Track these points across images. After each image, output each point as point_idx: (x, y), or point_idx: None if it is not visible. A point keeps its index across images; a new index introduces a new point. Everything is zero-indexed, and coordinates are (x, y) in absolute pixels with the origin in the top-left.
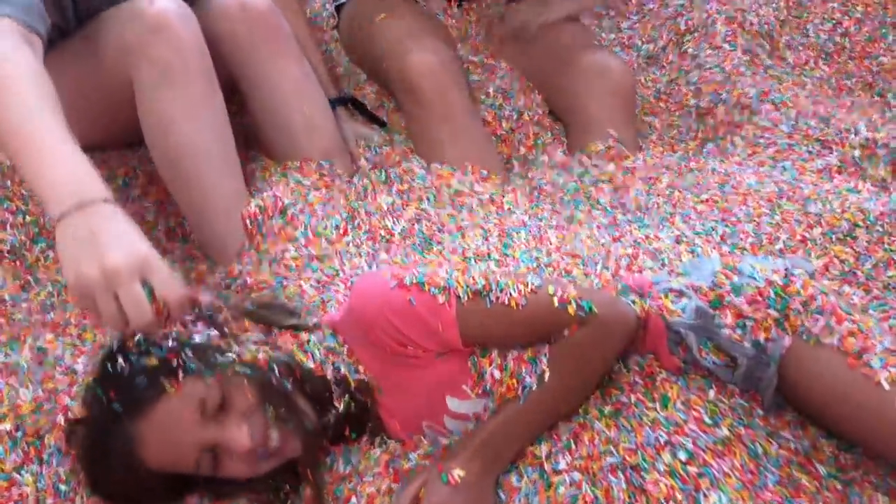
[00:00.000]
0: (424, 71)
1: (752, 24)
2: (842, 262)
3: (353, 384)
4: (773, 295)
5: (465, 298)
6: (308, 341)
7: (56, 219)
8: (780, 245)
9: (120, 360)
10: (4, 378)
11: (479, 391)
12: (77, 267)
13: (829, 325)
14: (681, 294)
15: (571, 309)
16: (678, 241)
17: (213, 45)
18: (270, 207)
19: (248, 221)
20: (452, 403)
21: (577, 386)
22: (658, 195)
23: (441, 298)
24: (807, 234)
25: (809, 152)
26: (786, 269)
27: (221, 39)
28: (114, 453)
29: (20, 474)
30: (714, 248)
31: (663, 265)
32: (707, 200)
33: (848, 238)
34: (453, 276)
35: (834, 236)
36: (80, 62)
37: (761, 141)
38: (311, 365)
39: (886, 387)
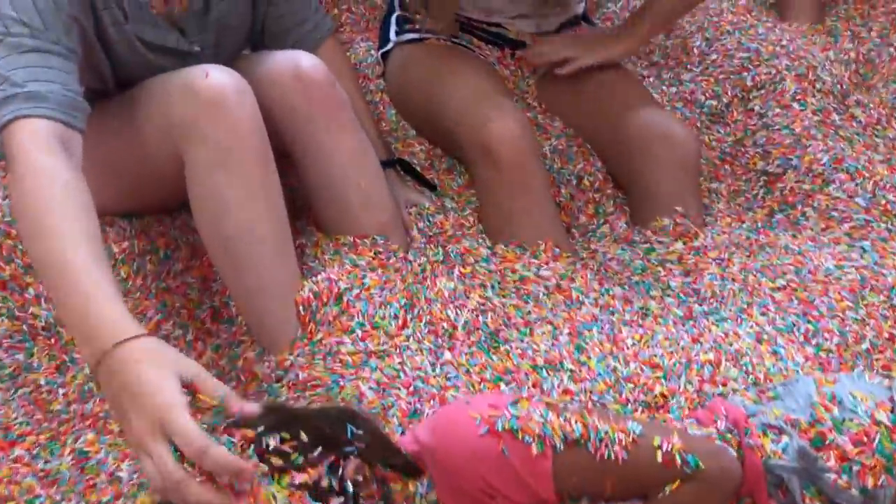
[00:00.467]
0: (506, 139)
1: (824, 82)
2: None
3: None
4: (879, 437)
5: (562, 448)
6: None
7: (92, 367)
8: (866, 345)
9: None
10: (45, 489)
11: None
12: (121, 423)
13: None
14: (780, 431)
15: (677, 463)
16: (759, 341)
17: (264, 112)
18: (325, 293)
19: (301, 308)
20: None
21: None
22: (732, 279)
23: (535, 449)
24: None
25: (889, 230)
26: (892, 401)
27: (273, 108)
28: None
29: None
30: (798, 349)
31: (747, 373)
32: (784, 288)
33: None
34: (549, 422)
35: None
36: (123, 130)
37: (835, 214)
38: None
39: None
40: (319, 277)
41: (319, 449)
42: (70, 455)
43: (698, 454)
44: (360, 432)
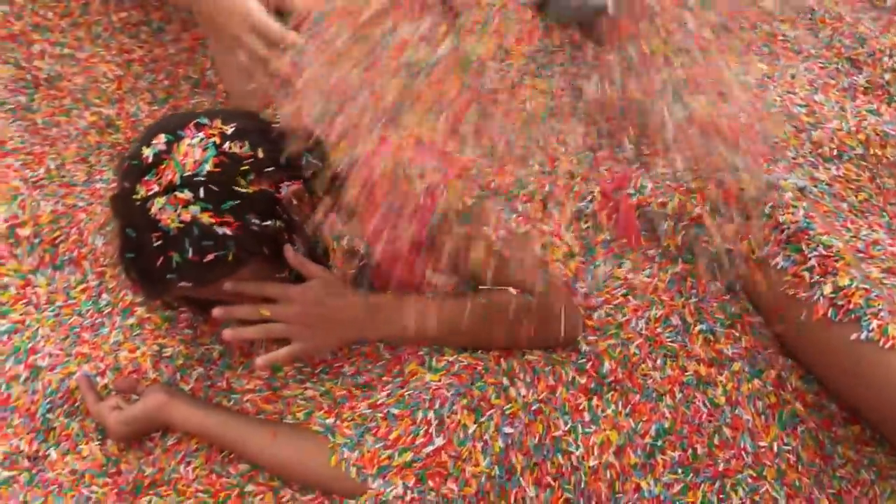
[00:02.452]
0: None
1: None
2: (849, 181)
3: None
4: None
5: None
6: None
7: None
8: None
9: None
10: (28, 190)
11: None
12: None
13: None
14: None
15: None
16: None
17: None
18: None
19: None
20: (431, 274)
21: (481, 334)
22: None
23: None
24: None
25: (838, 70)
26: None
27: None
28: (153, 282)
29: (35, 276)
30: None
31: None
32: None
33: (861, 159)
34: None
35: (847, 155)
36: None
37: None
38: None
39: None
40: None
41: (270, 168)
42: (52, 168)
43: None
44: (315, 162)
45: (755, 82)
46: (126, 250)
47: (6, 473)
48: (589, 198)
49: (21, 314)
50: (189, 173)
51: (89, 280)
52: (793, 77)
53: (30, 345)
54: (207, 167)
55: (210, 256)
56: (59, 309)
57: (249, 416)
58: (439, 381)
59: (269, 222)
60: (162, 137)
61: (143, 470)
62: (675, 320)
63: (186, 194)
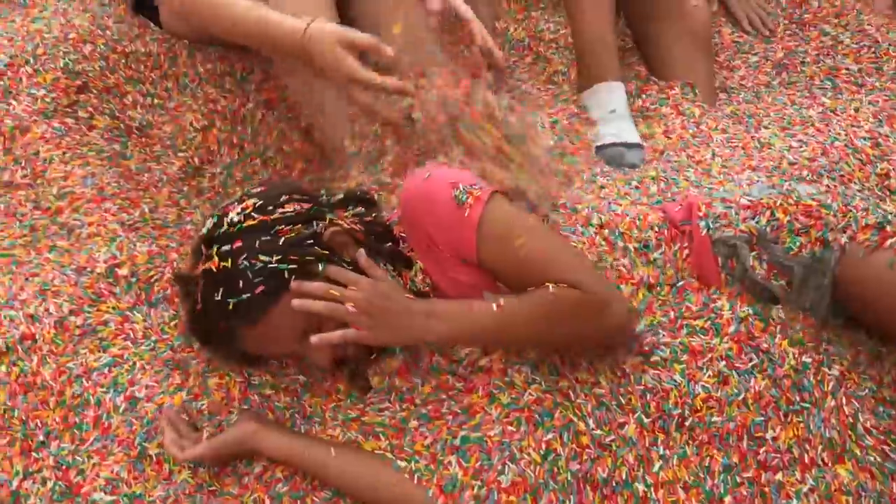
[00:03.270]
0: None
1: None
2: None
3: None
4: (824, 212)
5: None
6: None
7: (298, 55)
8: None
9: (237, 264)
10: (125, 232)
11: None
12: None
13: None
14: (730, 209)
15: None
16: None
17: None
18: None
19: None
20: (489, 296)
21: (538, 332)
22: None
23: (465, 210)
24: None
25: None
26: (836, 195)
27: None
28: (216, 334)
29: (132, 313)
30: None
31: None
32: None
33: None
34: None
35: None
36: None
37: None
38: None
39: None
40: None
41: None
42: (146, 211)
43: (586, 273)
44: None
45: (818, 116)
46: (189, 317)
47: (108, 498)
48: (654, 227)
49: (120, 348)
50: (227, 230)
51: (181, 316)
52: (856, 110)
53: (128, 377)
54: (244, 222)
55: (257, 290)
56: (154, 343)
57: (332, 443)
58: (507, 416)
59: (304, 255)
60: (212, 219)
61: (231, 493)
62: (742, 361)
63: (225, 246)
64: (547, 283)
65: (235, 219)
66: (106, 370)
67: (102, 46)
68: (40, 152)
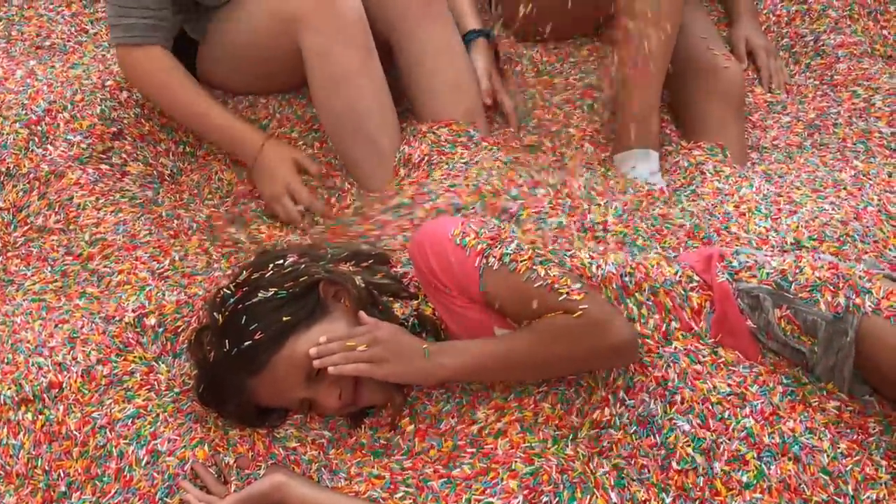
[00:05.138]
0: None
1: None
2: None
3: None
4: (851, 272)
5: (487, 262)
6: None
7: (251, 164)
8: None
9: (237, 316)
10: (155, 281)
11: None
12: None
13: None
14: (754, 262)
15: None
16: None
17: (366, 4)
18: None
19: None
20: (500, 333)
21: (542, 358)
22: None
23: (465, 252)
24: None
25: None
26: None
27: (372, 0)
28: (226, 390)
29: (157, 363)
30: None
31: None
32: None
33: None
34: (483, 237)
35: None
36: (241, 30)
37: None
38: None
39: None
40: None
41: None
42: (176, 259)
43: (585, 297)
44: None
45: (850, 180)
46: (200, 379)
47: None
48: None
49: (144, 399)
50: (228, 292)
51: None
52: (890, 175)
53: (151, 430)
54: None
55: (256, 336)
56: (177, 395)
57: (359, 498)
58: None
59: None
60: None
61: None
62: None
63: (229, 303)
64: (549, 313)
65: (237, 280)
66: (129, 422)
67: (138, 94)
68: (74, 198)
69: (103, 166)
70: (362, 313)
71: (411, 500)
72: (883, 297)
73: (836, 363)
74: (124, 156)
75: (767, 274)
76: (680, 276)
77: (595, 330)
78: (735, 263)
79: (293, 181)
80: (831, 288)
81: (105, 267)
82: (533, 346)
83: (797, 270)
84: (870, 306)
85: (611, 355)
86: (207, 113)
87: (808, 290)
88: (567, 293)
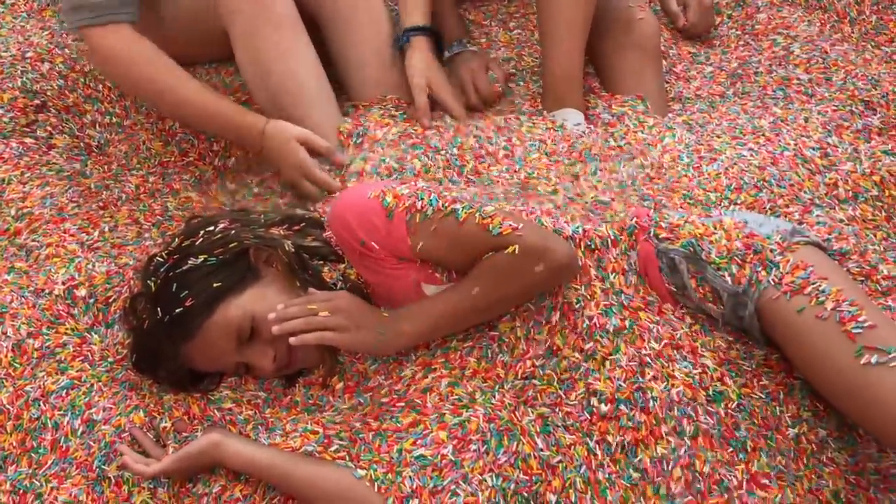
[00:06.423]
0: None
1: None
2: (865, 221)
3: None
4: (759, 244)
5: (413, 217)
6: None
7: (257, 151)
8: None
9: (169, 284)
10: (84, 253)
11: (448, 277)
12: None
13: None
14: (677, 222)
15: (496, 232)
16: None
17: None
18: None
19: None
20: (429, 290)
21: (493, 299)
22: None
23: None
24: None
25: (852, 112)
26: (787, 231)
27: None
28: (160, 357)
29: (90, 334)
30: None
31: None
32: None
33: (877, 200)
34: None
35: (862, 196)
36: (180, 14)
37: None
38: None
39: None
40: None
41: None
42: (106, 231)
43: (517, 229)
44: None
45: (769, 126)
46: (135, 346)
47: None
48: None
49: (77, 370)
50: (161, 260)
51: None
52: (806, 120)
53: (86, 400)
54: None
55: (188, 302)
56: (111, 364)
57: (294, 454)
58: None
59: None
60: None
61: None
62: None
63: (161, 271)
64: (487, 251)
65: (169, 248)
66: (63, 393)
67: (61, 65)
68: None
69: (28, 140)
70: (313, 291)
71: (345, 453)
72: (788, 272)
73: (745, 328)
74: (49, 128)
75: (686, 240)
76: (613, 237)
77: (535, 257)
78: (663, 223)
79: (303, 163)
80: (738, 260)
81: (33, 241)
82: (482, 292)
83: (712, 236)
84: (771, 281)
85: (557, 275)
86: (203, 103)
87: (718, 257)
88: (499, 227)
